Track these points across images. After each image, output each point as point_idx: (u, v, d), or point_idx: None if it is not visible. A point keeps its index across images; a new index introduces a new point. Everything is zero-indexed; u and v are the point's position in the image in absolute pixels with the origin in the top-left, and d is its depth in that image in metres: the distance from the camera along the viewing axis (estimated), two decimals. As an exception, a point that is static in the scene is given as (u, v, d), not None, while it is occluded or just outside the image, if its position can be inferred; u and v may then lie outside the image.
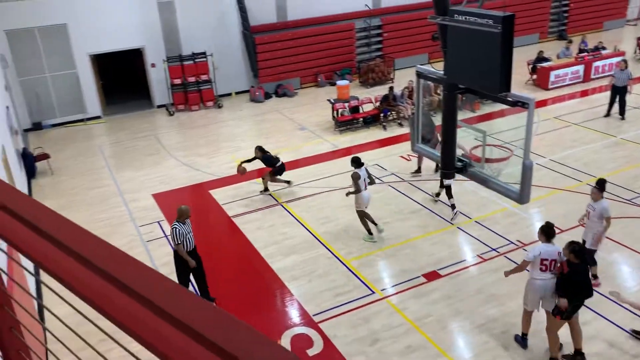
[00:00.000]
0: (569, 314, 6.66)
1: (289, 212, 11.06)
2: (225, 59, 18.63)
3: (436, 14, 7.11)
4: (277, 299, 8.65)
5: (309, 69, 19.63)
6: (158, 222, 10.99)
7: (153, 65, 17.90)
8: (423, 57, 20.12)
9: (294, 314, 8.22)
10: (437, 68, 8.09)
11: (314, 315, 8.09)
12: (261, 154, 11.63)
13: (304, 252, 9.67)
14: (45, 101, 16.87)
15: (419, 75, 8.16)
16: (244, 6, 17.91)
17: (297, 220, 10.77)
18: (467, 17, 6.55)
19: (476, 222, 10.32)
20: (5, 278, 1.74)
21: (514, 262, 9.04)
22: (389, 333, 7.64)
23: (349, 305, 8.25)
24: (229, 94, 19.16)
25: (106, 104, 18.37)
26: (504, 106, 8.18)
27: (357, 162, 9.69)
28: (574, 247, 6.52)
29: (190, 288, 8.30)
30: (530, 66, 18.38)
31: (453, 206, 10.40)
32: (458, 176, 8.26)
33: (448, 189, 10.44)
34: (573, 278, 6.52)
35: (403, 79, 17.70)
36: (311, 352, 7.40)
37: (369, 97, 16.36)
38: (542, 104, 16.43)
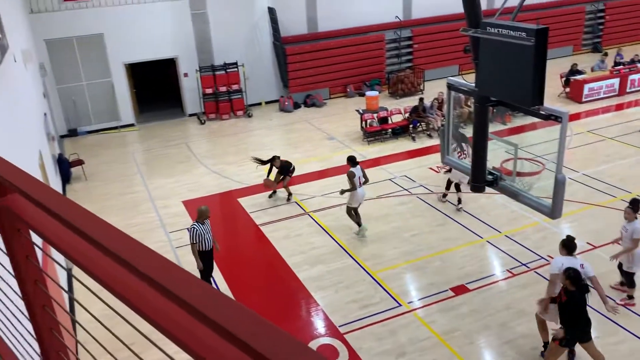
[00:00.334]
0: (567, 342, 6.53)
1: (316, 222, 11.08)
2: (256, 69, 18.87)
3: (468, 27, 7.08)
4: (303, 309, 8.65)
5: (338, 80, 19.71)
6: (187, 228, 11.12)
7: (186, 74, 18.23)
8: (453, 68, 20.00)
9: (320, 325, 8.21)
10: (468, 80, 8.04)
11: (339, 326, 8.07)
12: (280, 163, 11.73)
13: (330, 262, 9.67)
14: (81, 108, 17.33)
15: (450, 87, 8.13)
16: (276, 17, 18.13)
17: (324, 230, 10.78)
18: (500, 29, 6.51)
19: (506, 236, 10.17)
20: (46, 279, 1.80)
21: (544, 277, 8.87)
22: (415, 346, 7.57)
23: (376, 317, 8.21)
24: (259, 104, 19.36)
25: (139, 112, 18.77)
26: (536, 119, 8.08)
27: (352, 161, 10.14)
28: (570, 274, 6.35)
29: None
30: (564, 79, 18.09)
31: (459, 200, 10.95)
32: (488, 189, 8.17)
33: (457, 186, 10.82)
34: (569, 307, 6.39)
35: (433, 90, 17.62)
36: (336, 363, 7.38)
37: (398, 108, 16.32)
38: (575, 117, 16.13)
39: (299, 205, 11.83)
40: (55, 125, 16.24)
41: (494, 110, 14.97)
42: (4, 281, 1.87)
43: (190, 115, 18.65)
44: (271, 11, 18.26)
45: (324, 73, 19.42)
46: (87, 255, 1.41)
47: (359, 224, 10.38)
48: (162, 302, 1.17)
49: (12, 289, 1.81)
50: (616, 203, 11.00)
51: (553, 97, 17.68)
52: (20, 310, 1.84)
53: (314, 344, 7.74)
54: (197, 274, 8.37)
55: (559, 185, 6.73)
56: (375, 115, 15.84)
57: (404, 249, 9.91)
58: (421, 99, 15.91)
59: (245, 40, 18.60)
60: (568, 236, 7.02)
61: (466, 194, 11.45)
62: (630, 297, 8.18)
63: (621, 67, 18.11)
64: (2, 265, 1.81)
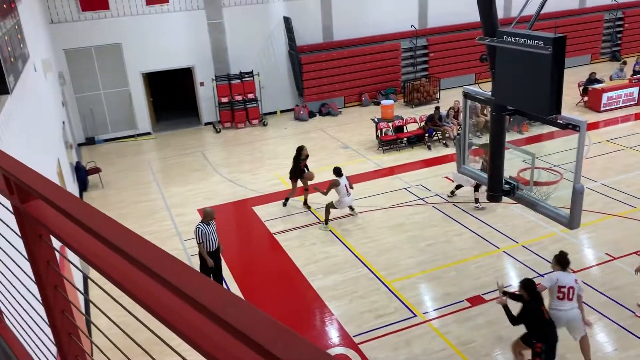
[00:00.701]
0: (545, 354, 6.46)
1: (331, 231, 11.06)
2: (271, 78, 18.98)
3: (485, 35, 7.05)
4: (317, 318, 8.62)
5: (353, 89, 19.75)
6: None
7: (202, 83, 18.40)
8: (469, 77, 19.92)
9: (334, 334, 8.17)
10: (484, 89, 8.00)
11: (354, 336, 8.02)
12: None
13: (345, 272, 9.63)
14: (99, 117, 17.55)
15: (466, 96, 8.09)
16: (291, 27, 18.24)
17: (338, 239, 10.76)
18: (517, 38, 6.48)
19: (523, 246, 10.06)
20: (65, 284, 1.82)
21: (562, 289, 8.75)
22: (430, 357, 7.49)
23: (390, 327, 8.15)
24: (274, 112, 19.45)
25: (156, 121, 18.96)
26: (553, 128, 8.00)
27: (337, 172, 10.87)
28: (525, 283, 6.50)
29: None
30: (582, 88, 17.92)
31: (477, 200, 11.16)
32: (505, 198, 8.09)
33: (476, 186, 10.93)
34: (524, 316, 6.48)
35: (449, 99, 17.56)
36: (351, 373, 7.33)
37: (414, 116, 16.29)
38: (593, 126, 15.96)
39: (313, 214, 11.82)
40: (74, 134, 16.46)
41: (511, 119, 14.89)
42: (24, 286, 1.89)
43: (206, 123, 18.80)
44: (287, 20, 18.38)
45: (339, 82, 19.47)
46: (107, 260, 1.42)
47: (326, 222, 11.12)
48: (181, 307, 1.18)
49: (32, 293, 1.82)
50: (636, 213, 10.83)
51: (571, 106, 17.53)
52: (39, 314, 1.85)
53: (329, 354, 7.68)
54: (188, 261, 8.83)
55: (577, 195, 6.65)
56: (390, 124, 15.82)
57: (420, 259, 9.84)
58: (437, 108, 15.86)
59: (261, 49, 18.74)
60: (561, 251, 7.07)
61: (483, 203, 11.37)
62: None
63: (639, 75, 17.89)
64: (22, 270, 1.83)
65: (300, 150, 11.94)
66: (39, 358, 2.21)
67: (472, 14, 8.58)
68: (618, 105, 17.32)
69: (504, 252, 9.93)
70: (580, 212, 6.81)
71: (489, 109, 8.42)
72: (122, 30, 16.97)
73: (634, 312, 8.07)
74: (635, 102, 17.51)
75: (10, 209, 1.71)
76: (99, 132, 17.70)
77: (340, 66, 19.32)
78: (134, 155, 16.58)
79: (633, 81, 17.63)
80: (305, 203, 12.08)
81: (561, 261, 6.92)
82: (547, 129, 14.85)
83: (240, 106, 18.35)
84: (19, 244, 1.76)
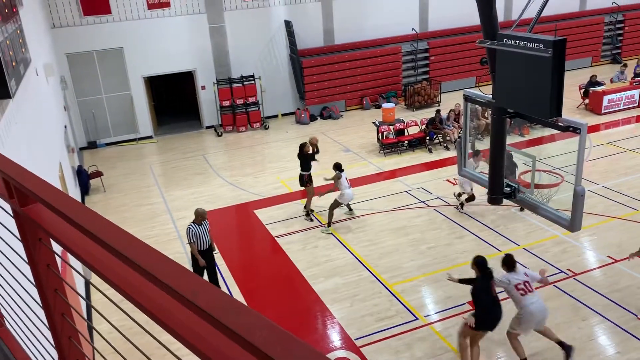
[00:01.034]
0: (477, 327, 6.88)
1: (332, 234, 11.06)
2: (272, 82, 19.02)
3: (485, 39, 7.06)
4: (318, 321, 8.61)
5: (354, 92, 19.78)
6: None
7: (203, 87, 18.44)
8: (470, 80, 19.96)
9: (336, 337, 8.16)
10: (485, 92, 8.01)
11: (355, 339, 8.01)
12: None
13: (346, 275, 9.63)
14: (101, 121, 17.59)
15: (467, 99, 8.10)
16: (292, 30, 18.28)
17: (340, 242, 10.76)
18: (517, 41, 6.48)
19: (525, 249, 10.04)
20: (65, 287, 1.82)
21: (563, 291, 8.74)
22: (432, 360, 7.47)
23: (392, 330, 8.13)
24: (276, 116, 19.48)
25: (157, 125, 18.99)
26: (554, 131, 8.00)
27: (338, 167, 11.06)
28: (476, 260, 6.93)
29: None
30: (583, 90, 17.92)
31: (462, 205, 11.14)
32: (506, 201, 8.09)
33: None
34: (472, 291, 6.95)
35: (449, 102, 17.57)
36: (352, 376, 7.31)
37: (415, 120, 16.30)
38: (594, 129, 15.96)
39: (315, 217, 11.82)
40: (75, 138, 16.49)
41: (512, 122, 14.87)
42: (25, 289, 1.89)
43: (208, 127, 18.83)
44: (288, 24, 18.43)
45: (340, 85, 19.50)
46: (107, 264, 1.42)
47: (329, 224, 11.12)
48: (180, 310, 1.18)
49: (31, 297, 1.83)
50: (637, 216, 10.81)
51: (572, 108, 17.53)
52: (39, 318, 1.86)
53: (329, 357, 7.68)
54: (194, 270, 8.81)
55: (578, 197, 6.64)
56: (391, 127, 15.83)
57: (421, 262, 9.83)
58: (438, 111, 15.88)
59: (262, 53, 18.78)
60: (507, 254, 7.32)
61: (484, 205, 11.35)
62: None
63: (641, 78, 17.89)
64: (22, 273, 1.84)
65: (302, 147, 11.82)
66: (39, 362, 2.22)
67: (473, 18, 8.60)
68: (619, 108, 17.32)
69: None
70: (581, 214, 6.80)
71: (490, 112, 8.42)
72: (124, 35, 17.02)
73: (636, 315, 8.05)
74: (636, 104, 17.51)
75: (10, 212, 1.71)
76: (101, 136, 17.73)
77: (342, 69, 19.36)
78: (136, 159, 16.61)
79: (634, 84, 17.63)
80: (305, 207, 12.06)
81: (508, 263, 7.09)
82: (548, 131, 14.88)
83: (241, 110, 18.38)
84: (19, 247, 1.77)
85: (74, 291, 1.88)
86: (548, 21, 19.60)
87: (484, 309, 6.93)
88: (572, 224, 6.85)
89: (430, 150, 15.23)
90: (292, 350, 0.90)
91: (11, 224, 1.80)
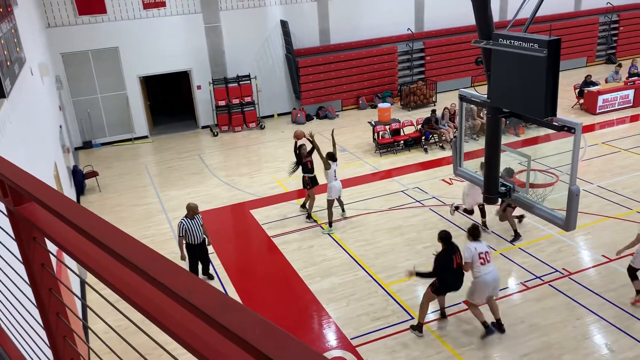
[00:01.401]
0: (437, 290, 7.74)
1: (328, 234, 11.06)
2: (268, 82, 19.01)
3: (480, 38, 7.08)
4: (314, 321, 8.62)
5: (350, 92, 19.79)
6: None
7: (199, 87, 18.41)
8: (466, 80, 20.00)
9: (332, 337, 8.17)
10: (480, 91, 8.03)
11: (351, 338, 8.02)
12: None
13: (342, 275, 9.64)
14: (96, 121, 17.55)
15: (462, 98, 8.12)
16: (288, 30, 18.28)
17: (336, 242, 10.76)
18: (512, 41, 6.50)
19: (520, 248, 10.07)
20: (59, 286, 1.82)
21: (559, 290, 8.78)
22: (428, 360, 7.49)
23: (388, 330, 8.15)
24: (271, 116, 19.47)
25: (153, 124, 18.96)
26: (550, 130, 8.02)
27: (331, 157, 11.01)
28: (441, 234, 7.67)
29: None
30: (578, 90, 17.99)
31: (456, 208, 10.68)
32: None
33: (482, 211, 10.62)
34: (436, 262, 7.62)
35: (445, 102, 17.60)
36: (348, 375, 7.32)
37: (410, 119, 16.33)
38: (589, 128, 16.03)
39: (311, 217, 11.82)
40: (70, 137, 16.44)
41: (507, 122, 14.93)
42: (19, 289, 1.89)
43: (203, 127, 18.81)
44: (284, 24, 18.42)
45: (336, 85, 19.51)
46: (102, 263, 1.42)
47: (330, 224, 11.13)
48: (174, 308, 1.18)
49: (26, 296, 1.83)
50: (632, 215, 10.86)
51: (567, 108, 17.60)
52: (34, 317, 1.85)
53: (326, 357, 7.67)
54: (185, 265, 9.30)
55: (573, 196, 6.67)
56: (387, 127, 15.85)
57: (417, 261, 9.82)
58: (433, 111, 15.91)
59: (258, 52, 18.77)
60: (473, 224, 8.07)
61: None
62: (638, 292, 8.30)
63: (636, 78, 17.97)
64: (17, 273, 1.83)
65: (300, 148, 11.77)
66: (34, 361, 2.21)
67: (468, 18, 8.62)
68: (614, 108, 17.39)
69: (501, 254, 9.94)
70: (576, 214, 6.83)
71: (485, 112, 8.44)
72: (119, 34, 16.97)
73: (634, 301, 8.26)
74: (631, 104, 17.59)
75: (5, 211, 1.71)
76: (96, 136, 17.69)
77: (337, 69, 19.36)
78: (131, 159, 16.57)
79: (628, 83, 17.70)
80: (303, 205, 12.06)
81: (474, 233, 7.71)
82: (543, 131, 14.94)
83: (237, 109, 18.36)
84: (14, 246, 1.77)
85: (69, 290, 1.88)
86: (543, 21, 19.63)
87: (446, 278, 7.65)
88: (567, 224, 6.88)
89: (425, 150, 15.25)
90: (286, 348, 0.91)
91: (5, 223, 1.79)
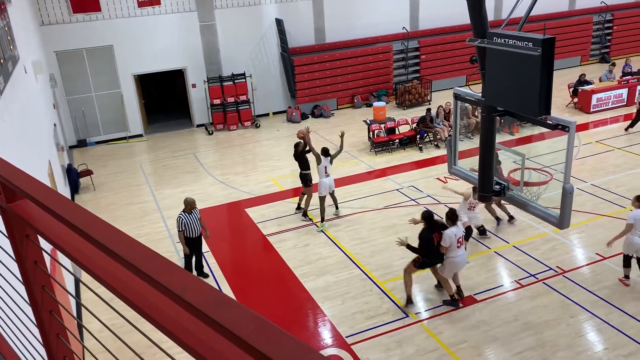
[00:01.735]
0: (420, 265, 8.33)
1: (324, 232, 11.07)
2: (263, 80, 18.99)
3: (475, 37, 7.10)
4: (309, 319, 8.62)
5: (345, 90, 19.79)
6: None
7: (194, 85, 18.37)
8: (461, 79, 20.03)
9: (327, 335, 8.18)
10: (475, 90, 8.05)
11: (346, 336, 8.03)
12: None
13: (337, 273, 9.64)
14: (91, 119, 17.48)
15: (457, 97, 8.14)
16: (283, 29, 18.25)
17: (331, 240, 10.77)
18: (507, 40, 6.52)
19: (514, 246, 10.11)
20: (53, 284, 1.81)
21: (553, 288, 8.81)
22: (422, 358, 7.51)
23: (383, 327, 8.16)
24: (267, 114, 19.45)
25: (148, 123, 18.90)
26: (544, 129, 8.05)
27: (324, 152, 11.13)
28: (423, 214, 8.26)
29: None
30: (572, 89, 18.05)
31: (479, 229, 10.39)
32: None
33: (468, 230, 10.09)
34: (419, 239, 8.16)
35: (440, 100, 17.62)
36: (343, 374, 7.33)
37: (405, 118, 16.35)
38: (583, 127, 16.09)
39: (306, 215, 11.82)
40: (65, 136, 16.38)
41: (502, 121, 14.97)
42: (12, 286, 1.88)
43: (198, 125, 18.76)
44: (279, 22, 18.40)
45: (332, 84, 19.50)
46: (95, 260, 1.42)
47: (322, 219, 11.22)
48: (170, 307, 1.18)
49: (19, 294, 1.82)
50: (625, 214, 10.89)
51: (561, 107, 17.66)
52: (27, 315, 1.85)
53: (323, 354, 7.68)
54: (182, 262, 9.62)
55: (567, 195, 6.70)
56: (382, 125, 15.86)
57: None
58: (428, 110, 15.93)
59: (253, 51, 18.74)
60: (450, 209, 8.48)
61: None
62: (626, 276, 8.78)
63: (629, 77, 18.05)
64: (9, 270, 1.83)
65: (297, 146, 11.75)
66: (26, 359, 2.21)
67: (463, 16, 8.64)
68: (607, 107, 17.47)
69: (495, 252, 9.98)
70: (570, 212, 6.87)
71: (480, 111, 8.46)
72: (114, 32, 16.91)
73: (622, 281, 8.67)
74: (624, 103, 17.66)
75: (-2, 209, 1.70)
76: (91, 135, 17.62)
77: (333, 68, 19.36)
78: (126, 157, 16.52)
79: (622, 82, 17.78)
80: (298, 207, 12.04)
81: (452, 217, 8.16)
82: (538, 130, 14.99)
83: (232, 108, 18.33)
84: (6, 244, 1.76)
85: (62, 289, 1.87)
86: (537, 20, 19.71)
87: (427, 254, 8.21)
88: (561, 222, 6.92)
89: (420, 149, 15.28)
90: (279, 343, 0.91)
91: (-2, 220, 1.78)
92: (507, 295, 8.78)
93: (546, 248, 10.01)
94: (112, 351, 1.86)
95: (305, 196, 11.64)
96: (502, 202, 10.21)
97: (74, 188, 13.81)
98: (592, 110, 17.30)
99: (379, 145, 15.42)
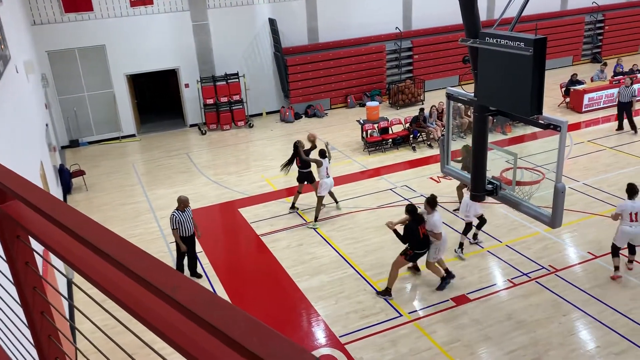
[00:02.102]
0: (410, 258, 8.66)
1: (317, 232, 11.07)
2: (256, 80, 18.97)
3: (467, 37, 7.12)
4: (303, 319, 8.62)
5: (339, 90, 19.80)
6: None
7: (187, 85, 18.32)
8: (453, 79, 20.09)
9: (320, 335, 8.18)
10: (468, 90, 8.08)
11: (340, 336, 8.04)
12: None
13: (331, 273, 9.65)
14: (83, 119, 17.39)
15: (449, 97, 8.16)
16: (277, 28, 18.24)
17: (325, 240, 10.78)
18: (498, 39, 6.55)
19: (507, 246, 10.15)
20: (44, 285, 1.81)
21: (545, 287, 8.86)
22: (416, 357, 7.53)
23: (376, 327, 8.18)
24: (260, 114, 19.43)
25: (140, 123, 18.83)
26: (536, 129, 8.10)
27: (322, 154, 11.29)
28: (408, 207, 8.56)
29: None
30: (564, 89, 18.15)
31: (475, 236, 10.27)
32: (489, 199, 8.18)
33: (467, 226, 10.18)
34: (406, 234, 8.42)
35: (433, 100, 17.67)
36: (337, 373, 7.34)
37: (399, 118, 16.38)
38: (575, 127, 16.18)
39: (299, 215, 11.83)
40: (57, 136, 16.29)
41: (494, 120, 15.04)
42: (3, 288, 1.87)
43: (191, 125, 18.72)
44: (272, 22, 18.38)
45: (325, 84, 19.51)
46: (87, 261, 1.41)
47: (316, 219, 11.33)
48: (161, 307, 1.18)
49: (10, 295, 1.81)
50: (617, 213, 10.97)
51: (554, 107, 17.75)
52: (18, 316, 1.84)
53: (314, 354, 7.69)
54: (175, 262, 9.59)
55: (559, 194, 6.74)
56: (375, 125, 15.89)
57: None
58: (421, 109, 15.97)
59: (246, 51, 18.71)
60: (431, 194, 8.81)
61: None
62: (616, 268, 8.96)
63: (621, 77, 18.16)
64: (0, 271, 1.82)
65: (297, 146, 11.71)
66: (18, 360, 2.20)
67: (456, 17, 8.66)
68: (599, 106, 17.57)
69: (488, 251, 10.02)
70: (562, 211, 6.91)
71: (472, 110, 8.49)
72: (106, 32, 16.84)
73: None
74: (616, 103, 17.75)
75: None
76: (83, 135, 17.54)
77: (326, 68, 19.36)
78: (119, 157, 16.46)
79: (614, 82, 17.89)
80: (292, 206, 12.01)
81: (432, 203, 8.55)
82: (530, 129, 15.06)
83: (225, 108, 18.30)
84: (-3, 245, 1.75)
85: (54, 290, 1.86)
86: (529, 20, 19.80)
87: (414, 245, 8.49)
88: (553, 221, 6.96)
89: (414, 149, 15.31)
90: (270, 343, 0.91)
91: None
92: (500, 294, 8.82)
93: (538, 247, 10.06)
94: (104, 352, 1.85)
95: (302, 193, 11.71)
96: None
97: (66, 188, 13.74)
98: (584, 109, 17.40)
99: (372, 145, 15.45)
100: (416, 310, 8.54)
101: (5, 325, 2.07)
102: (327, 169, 11.21)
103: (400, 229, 8.62)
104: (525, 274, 9.25)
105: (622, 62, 19.38)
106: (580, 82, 17.94)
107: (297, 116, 18.98)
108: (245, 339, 0.93)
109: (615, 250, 8.89)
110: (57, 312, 1.82)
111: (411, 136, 15.47)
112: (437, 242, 8.62)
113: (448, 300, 8.69)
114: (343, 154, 15.38)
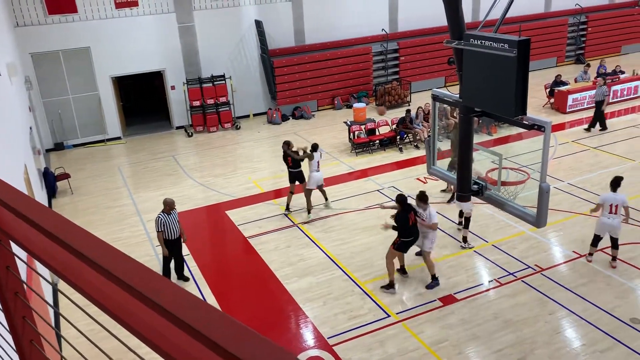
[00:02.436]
0: (399, 247, 8.82)
1: (305, 234, 11.07)
2: (243, 82, 18.93)
3: (452, 39, 7.17)
4: (291, 321, 8.61)
5: (326, 92, 19.83)
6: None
7: (173, 87, 18.23)
8: (439, 80, 20.23)
9: (309, 336, 8.18)
10: (453, 91, 8.13)
11: (328, 337, 8.04)
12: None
13: (319, 274, 9.65)
14: (68, 122, 17.23)
15: (435, 98, 8.21)
16: (263, 30, 18.23)
17: (312, 241, 10.78)
18: (483, 41, 6.60)
19: (493, 245, 10.23)
20: (26, 289, 1.79)
21: (531, 286, 8.94)
22: (404, 357, 7.55)
23: (364, 328, 8.19)
24: (247, 116, 19.39)
25: (126, 125, 18.70)
26: (521, 129, 8.17)
27: (314, 148, 11.54)
28: (398, 198, 8.84)
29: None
30: (548, 90, 18.34)
31: (464, 239, 10.29)
32: (474, 199, 8.24)
33: (467, 220, 10.25)
34: (399, 222, 8.67)
35: (419, 102, 17.76)
36: (325, 375, 7.33)
37: (385, 119, 16.44)
38: (560, 127, 16.35)
39: (287, 217, 11.82)
40: (41, 139, 16.12)
41: (480, 121, 15.15)
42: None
43: (178, 127, 18.63)
44: (258, 24, 18.36)
45: (312, 85, 19.53)
46: (69, 266, 1.40)
47: (309, 211, 11.56)
48: (147, 314, 1.17)
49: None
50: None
51: (538, 107, 17.93)
52: (0, 322, 1.82)
53: (303, 356, 7.69)
54: (161, 266, 9.51)
55: (543, 194, 6.80)
56: (362, 126, 15.93)
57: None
58: (408, 111, 16.05)
59: (232, 52, 18.67)
60: (421, 191, 9.05)
61: (455, 203, 11.50)
62: (613, 258, 9.33)
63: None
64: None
65: (289, 144, 11.69)
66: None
67: (441, 18, 8.72)
68: (583, 107, 17.78)
69: (475, 251, 10.09)
70: (546, 210, 6.97)
71: (458, 111, 8.55)
72: (91, 34, 16.71)
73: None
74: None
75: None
76: (68, 137, 17.38)
77: (313, 69, 19.40)
78: (104, 160, 16.33)
79: (596, 83, 18.09)
80: (287, 207, 11.95)
81: (424, 198, 8.80)
82: (515, 130, 15.19)
83: (212, 110, 18.24)
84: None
85: (37, 295, 1.85)
86: (513, 22, 20.01)
87: (404, 233, 8.69)
88: (538, 220, 7.02)
89: (400, 150, 15.38)
90: (252, 346, 0.91)
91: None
92: (487, 293, 8.88)
93: (524, 247, 10.15)
94: (88, 358, 1.83)
95: (303, 193, 11.76)
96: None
97: (51, 192, 13.60)
98: (568, 110, 17.60)
99: (360, 146, 15.49)
100: (404, 311, 8.57)
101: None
102: (318, 163, 11.41)
103: (390, 221, 8.91)
104: (512, 274, 9.32)
105: (606, 63, 19.63)
106: (564, 83, 18.14)
107: (285, 118, 18.98)
108: (227, 341, 0.93)
109: (595, 240, 9.31)
110: (40, 318, 1.80)
111: (398, 137, 15.54)
112: (432, 233, 8.87)
113: (435, 300, 8.73)
114: (330, 155, 15.40)
